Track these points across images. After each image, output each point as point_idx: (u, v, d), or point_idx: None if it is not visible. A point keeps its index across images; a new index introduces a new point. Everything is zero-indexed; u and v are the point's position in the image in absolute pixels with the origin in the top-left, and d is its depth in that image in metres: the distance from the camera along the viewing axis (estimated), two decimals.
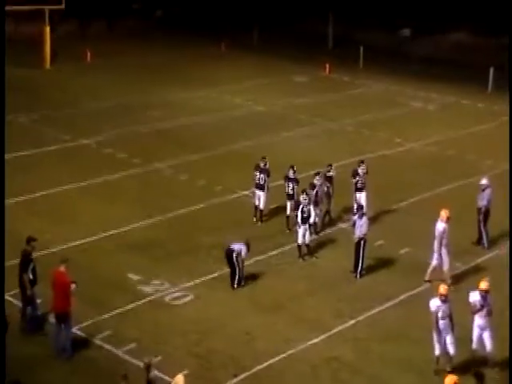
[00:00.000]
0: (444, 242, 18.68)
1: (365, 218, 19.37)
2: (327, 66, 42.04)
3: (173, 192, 24.26)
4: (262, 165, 22.12)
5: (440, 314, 14.98)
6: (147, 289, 18.11)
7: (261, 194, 21.99)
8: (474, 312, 15.09)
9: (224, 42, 46.79)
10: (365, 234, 19.23)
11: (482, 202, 21.00)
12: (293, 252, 20.28)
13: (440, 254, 18.76)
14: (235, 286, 18.41)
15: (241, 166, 26.39)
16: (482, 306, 14.96)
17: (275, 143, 28.68)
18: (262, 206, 22.03)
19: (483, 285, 15.16)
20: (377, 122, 32.85)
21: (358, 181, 22.00)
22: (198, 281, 18.64)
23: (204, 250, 20.21)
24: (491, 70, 38.18)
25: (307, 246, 20.22)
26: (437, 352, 15.24)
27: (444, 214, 18.77)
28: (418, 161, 27.86)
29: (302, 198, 20.06)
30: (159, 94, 35.69)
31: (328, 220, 22.14)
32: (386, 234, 21.66)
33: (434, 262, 18.86)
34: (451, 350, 15.18)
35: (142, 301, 17.62)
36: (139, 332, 16.25)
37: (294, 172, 21.62)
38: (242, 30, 50.64)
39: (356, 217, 19.51)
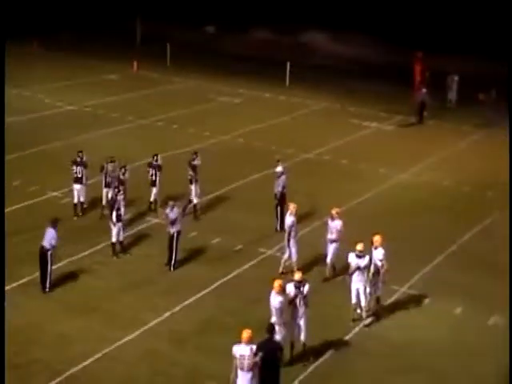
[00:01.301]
0: (292, 234, 19.16)
1: (176, 210, 19.78)
2: (135, 63, 42.04)
3: None
4: (78, 159, 22.34)
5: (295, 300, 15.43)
6: None
7: (79, 188, 22.25)
8: (290, 302, 15.56)
9: (36, 41, 45.56)
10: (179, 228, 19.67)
11: (277, 188, 22.09)
12: (106, 251, 20.28)
13: (289, 246, 19.26)
14: (47, 289, 18.17)
15: (53, 166, 25.98)
16: (296, 296, 15.49)
17: (88, 141, 28.38)
18: (82, 199, 22.45)
19: (297, 275, 15.72)
20: (186, 117, 33.39)
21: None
22: (9, 287, 18.10)
23: (15, 254, 19.68)
24: (288, 65, 39.95)
25: (121, 243, 20.32)
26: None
27: (292, 207, 19.27)
28: (227, 153, 28.67)
29: (118, 195, 20.16)
30: None
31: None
32: (198, 224, 22.22)
33: (286, 254, 19.38)
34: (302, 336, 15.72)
35: None
36: None
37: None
38: (54, 30, 49.50)
39: (168, 210, 19.82)
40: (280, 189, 22.10)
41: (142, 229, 21.95)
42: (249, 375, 13.25)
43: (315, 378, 15.49)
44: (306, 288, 15.50)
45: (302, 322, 15.65)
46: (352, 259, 17.05)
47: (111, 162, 22.42)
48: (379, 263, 17.23)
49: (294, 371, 15.49)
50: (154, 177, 22.78)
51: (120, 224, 20.15)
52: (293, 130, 32.40)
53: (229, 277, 19.35)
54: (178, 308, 17.76)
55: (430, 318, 17.85)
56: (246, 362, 13.22)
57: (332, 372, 15.70)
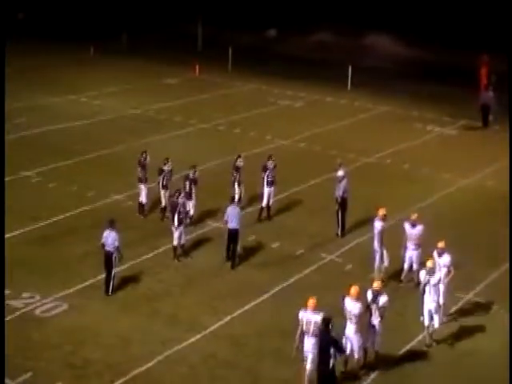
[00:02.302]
0: (379, 239, 18.89)
1: (238, 209, 20.12)
2: (197, 67, 42.33)
3: (42, 200, 23.87)
4: (142, 160, 22.92)
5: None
6: (16, 303, 17.72)
7: (143, 188, 22.70)
8: (365, 308, 15.29)
9: (93, 47, 46.14)
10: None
11: (338, 193, 21.85)
12: (167, 254, 20.45)
13: (379, 251, 18.98)
14: (110, 292, 18.39)
15: (114, 171, 26.38)
16: (371, 304, 15.25)
17: (150, 145, 28.62)
18: (144, 200, 22.86)
19: (375, 284, 15.44)
20: (247, 121, 33.43)
21: (268, 175, 22.72)
22: (71, 290, 18.46)
23: (77, 258, 20.03)
24: (350, 69, 39.72)
25: (182, 246, 20.45)
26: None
27: (380, 212, 19.01)
28: (288, 157, 28.58)
29: (180, 199, 20.28)
30: (26, 99, 34.87)
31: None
32: (259, 228, 22.23)
33: (376, 261, 19.02)
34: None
35: (11, 316, 17.22)
36: (9, 350, 15.61)
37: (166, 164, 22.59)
38: (112, 35, 50.10)
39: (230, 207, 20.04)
40: (341, 193, 21.87)
41: (203, 232, 22.04)
42: (313, 340, 14.50)
43: None
44: (382, 299, 15.31)
45: (375, 331, 15.45)
46: (422, 275, 16.50)
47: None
48: (445, 269, 16.91)
49: (362, 376, 15.38)
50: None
51: (182, 227, 20.27)
52: (354, 135, 32.13)
53: (289, 282, 19.29)
54: (237, 312, 17.80)
55: (496, 326, 17.46)
56: (312, 328, 14.44)
57: (397, 380, 15.50)
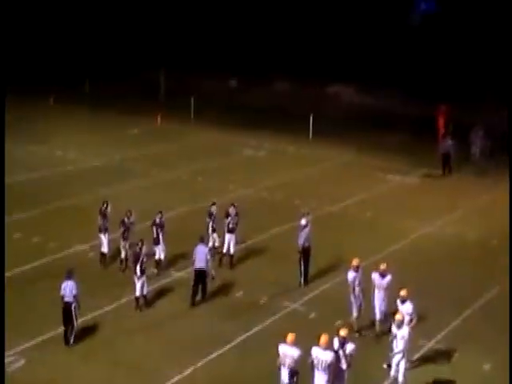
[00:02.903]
0: (357, 290, 18.94)
1: (206, 248, 20.50)
2: (159, 117, 42.48)
3: (4, 252, 23.52)
4: (103, 209, 22.86)
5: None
6: None
7: (103, 238, 22.68)
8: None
9: (53, 96, 46.03)
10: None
11: (300, 241, 21.88)
12: (129, 304, 20.25)
13: (353, 302, 19.02)
14: (71, 342, 18.08)
15: (78, 221, 26.18)
16: (338, 351, 15.06)
17: (112, 195, 28.44)
18: (105, 250, 22.78)
19: (342, 332, 15.30)
20: (210, 170, 33.54)
21: (229, 222, 22.94)
22: (29, 344, 18.08)
23: (37, 310, 19.68)
24: (311, 118, 40.24)
25: (145, 296, 20.27)
26: None
27: (354, 262, 18.99)
28: (250, 206, 28.61)
29: (139, 248, 20.19)
30: None
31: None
32: (222, 276, 22.13)
33: (354, 313, 19.05)
34: None
35: None
36: None
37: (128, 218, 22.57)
38: (73, 83, 50.17)
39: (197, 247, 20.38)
40: (302, 242, 21.91)
41: (166, 282, 21.88)
42: (288, 371, 14.90)
43: None
44: (349, 346, 15.14)
45: (343, 377, 15.27)
46: (393, 329, 16.46)
47: (130, 215, 22.52)
48: (407, 317, 16.97)
49: None
50: (157, 235, 22.34)
51: (144, 278, 20.14)
52: (316, 183, 32.41)
53: (253, 331, 19.17)
54: (200, 363, 17.59)
55: (458, 374, 17.50)
56: (287, 361, 14.87)
57: None
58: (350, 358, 15.13)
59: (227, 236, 23.00)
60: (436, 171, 34.46)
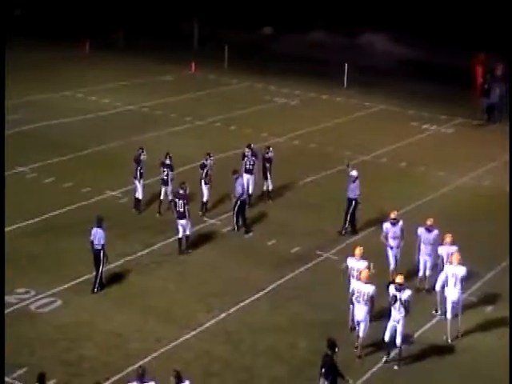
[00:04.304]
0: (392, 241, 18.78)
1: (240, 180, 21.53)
2: (193, 64, 42.20)
3: (37, 196, 23.72)
4: (137, 155, 22.77)
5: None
6: (10, 299, 17.56)
7: (138, 184, 22.62)
8: (390, 304, 15.54)
9: (89, 43, 45.98)
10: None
11: (354, 193, 21.58)
12: (162, 250, 20.37)
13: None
14: (96, 289, 18.20)
15: (110, 167, 26.26)
16: (395, 299, 15.38)
17: (146, 142, 28.41)
18: (139, 196, 22.76)
19: (398, 278, 15.55)
20: (243, 119, 33.33)
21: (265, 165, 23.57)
22: (66, 286, 18.33)
23: (71, 255, 19.88)
24: (346, 67, 39.63)
25: (187, 237, 20.36)
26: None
27: (392, 215, 18.68)
28: (284, 154, 28.44)
29: (184, 190, 20.30)
30: (21, 95, 34.65)
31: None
32: (254, 225, 22.18)
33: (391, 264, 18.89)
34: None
35: (5, 311, 17.03)
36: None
37: (170, 159, 22.52)
38: (108, 32, 49.93)
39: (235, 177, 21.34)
40: (358, 192, 21.52)
41: (199, 228, 21.90)
42: (365, 308, 15.50)
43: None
44: (405, 293, 15.40)
45: (399, 325, 15.54)
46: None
47: (169, 157, 22.59)
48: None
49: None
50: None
51: (184, 220, 20.25)
52: (350, 133, 32.07)
53: (284, 279, 19.19)
54: (232, 309, 17.69)
55: (491, 325, 17.41)
56: (363, 298, 15.51)
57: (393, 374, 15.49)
58: (407, 304, 15.41)
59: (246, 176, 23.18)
60: (471, 121, 33.92)
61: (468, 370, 15.81)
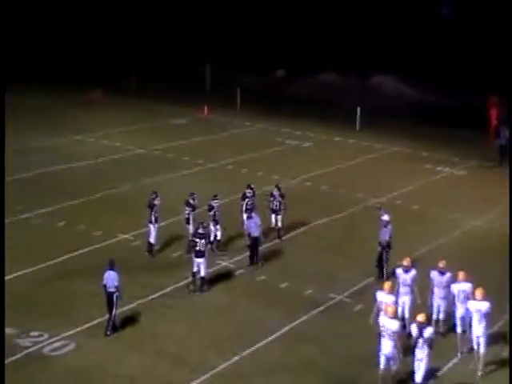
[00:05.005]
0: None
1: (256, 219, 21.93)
2: (205, 107, 42.51)
3: (49, 240, 23.74)
4: (151, 200, 22.83)
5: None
6: (24, 342, 17.54)
7: (152, 228, 22.72)
8: (414, 344, 15.69)
9: (101, 88, 46.36)
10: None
11: (384, 237, 21.40)
12: (173, 294, 20.30)
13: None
14: (109, 332, 18.11)
15: (122, 210, 26.30)
16: (418, 338, 15.51)
17: (158, 185, 28.55)
18: (152, 240, 22.84)
19: (419, 317, 15.67)
20: (255, 161, 33.43)
21: (273, 202, 24.17)
22: (78, 329, 18.25)
23: (84, 298, 19.82)
24: (358, 109, 39.83)
25: (202, 278, 20.39)
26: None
27: (405, 262, 18.44)
28: (295, 196, 28.44)
29: (201, 231, 20.51)
30: (32, 140, 34.90)
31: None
32: (267, 267, 22.09)
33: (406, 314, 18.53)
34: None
35: (18, 355, 17.03)
36: None
37: (194, 199, 22.96)
38: (120, 75, 50.44)
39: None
40: (387, 237, 21.37)
41: (211, 271, 21.83)
42: (390, 343, 15.74)
43: None
44: (427, 330, 15.58)
45: (422, 364, 15.64)
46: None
47: (193, 198, 22.98)
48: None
49: None
50: (188, 215, 22.85)
51: (201, 260, 20.34)
52: (363, 174, 32.06)
53: (298, 322, 19.03)
54: (245, 353, 17.54)
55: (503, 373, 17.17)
56: (388, 333, 15.71)
57: None
58: (430, 342, 15.57)
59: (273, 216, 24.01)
60: (485, 163, 33.88)
61: None
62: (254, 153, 34.78)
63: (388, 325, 15.74)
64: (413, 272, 18.45)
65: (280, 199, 24.15)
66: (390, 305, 16.25)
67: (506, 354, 17.64)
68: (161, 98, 45.06)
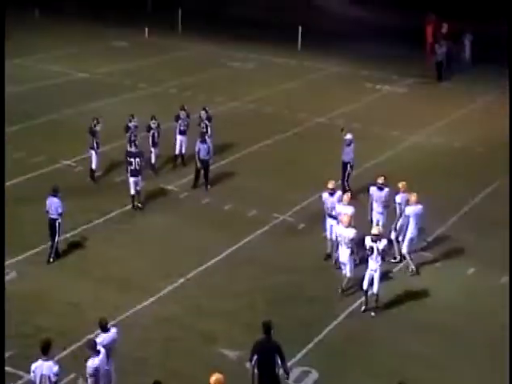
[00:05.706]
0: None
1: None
2: (146, 30, 41.71)
3: None
4: (92, 126, 22.54)
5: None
6: None
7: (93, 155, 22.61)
8: (367, 255, 16.25)
9: (38, 8, 45.00)
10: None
11: (349, 156, 21.70)
12: (118, 218, 20.39)
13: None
14: (51, 259, 18.17)
15: (63, 136, 25.99)
16: (372, 249, 16.03)
17: (101, 110, 28.20)
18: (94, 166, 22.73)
19: (374, 230, 16.27)
20: (198, 84, 33.14)
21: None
22: (20, 257, 18.23)
23: (26, 226, 19.73)
24: (299, 29, 39.55)
25: (138, 192, 20.76)
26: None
27: (329, 185, 18.39)
28: (238, 118, 28.50)
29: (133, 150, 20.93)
30: None
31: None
32: (211, 191, 22.25)
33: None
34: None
35: None
36: None
37: (130, 121, 23.00)
38: None
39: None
40: (350, 157, 21.60)
41: (156, 194, 21.91)
42: (348, 251, 16.49)
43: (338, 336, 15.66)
44: (381, 243, 16.04)
45: (376, 274, 16.11)
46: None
47: (132, 119, 22.93)
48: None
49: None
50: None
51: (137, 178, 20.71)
52: (305, 95, 32.11)
53: (242, 242, 19.35)
54: (191, 274, 17.80)
55: (444, 279, 17.84)
56: (344, 241, 16.54)
57: (352, 331, 15.93)
58: (383, 254, 16.21)
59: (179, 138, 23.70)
60: (424, 80, 34.22)
61: (422, 323, 16.20)
62: (196, 76, 34.47)
63: (344, 233, 16.52)
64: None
65: (207, 122, 23.65)
66: (346, 214, 16.92)
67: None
68: (100, 20, 43.99)
